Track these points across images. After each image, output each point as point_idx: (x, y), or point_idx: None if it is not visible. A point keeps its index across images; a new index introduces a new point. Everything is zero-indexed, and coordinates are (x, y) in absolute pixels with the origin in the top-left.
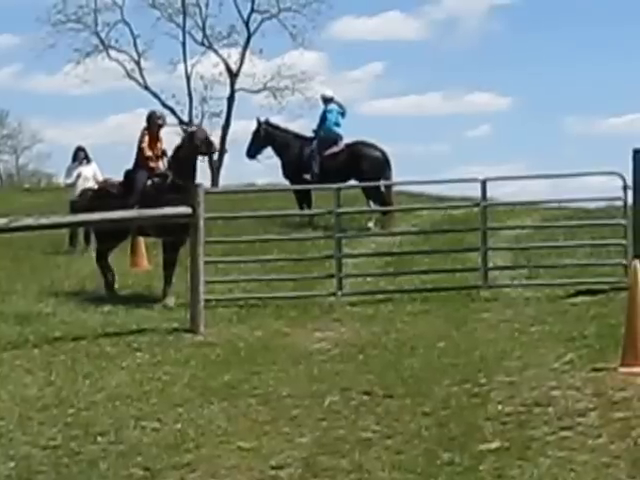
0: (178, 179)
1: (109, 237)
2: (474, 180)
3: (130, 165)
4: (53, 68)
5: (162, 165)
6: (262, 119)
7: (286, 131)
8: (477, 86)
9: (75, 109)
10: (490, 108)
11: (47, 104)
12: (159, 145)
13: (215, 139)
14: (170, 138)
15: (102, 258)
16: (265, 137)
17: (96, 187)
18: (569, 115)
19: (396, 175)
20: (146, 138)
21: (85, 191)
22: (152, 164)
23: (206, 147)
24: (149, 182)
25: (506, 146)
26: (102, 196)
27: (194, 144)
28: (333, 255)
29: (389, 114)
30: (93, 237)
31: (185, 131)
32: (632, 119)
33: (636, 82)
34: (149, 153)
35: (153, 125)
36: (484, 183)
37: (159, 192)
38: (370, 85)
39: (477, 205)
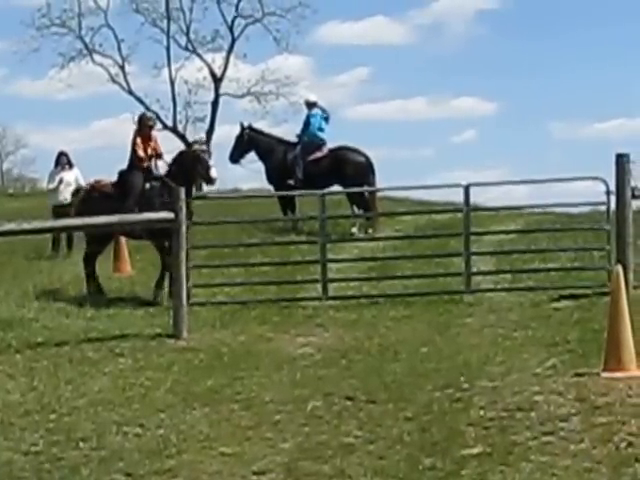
0: (172, 183)
1: (98, 239)
2: (457, 185)
3: (123, 166)
4: (37, 72)
5: (155, 165)
6: (245, 124)
7: (270, 136)
8: (463, 91)
9: (59, 114)
10: (475, 113)
11: (31, 109)
12: (151, 145)
13: (214, 171)
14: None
15: (90, 260)
16: (248, 142)
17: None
18: (554, 120)
19: (381, 180)
20: (138, 140)
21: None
22: (145, 164)
23: (206, 176)
24: (147, 185)
25: (491, 151)
26: (96, 197)
27: (197, 170)
28: (317, 260)
29: (374, 119)
30: (77, 241)
31: (189, 144)
32: (617, 124)
33: (621, 87)
34: (142, 154)
35: (144, 127)
36: (467, 188)
37: (156, 195)
38: (355, 90)
39: (460, 210)
